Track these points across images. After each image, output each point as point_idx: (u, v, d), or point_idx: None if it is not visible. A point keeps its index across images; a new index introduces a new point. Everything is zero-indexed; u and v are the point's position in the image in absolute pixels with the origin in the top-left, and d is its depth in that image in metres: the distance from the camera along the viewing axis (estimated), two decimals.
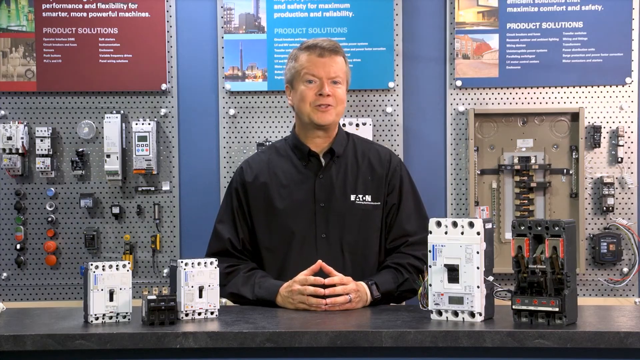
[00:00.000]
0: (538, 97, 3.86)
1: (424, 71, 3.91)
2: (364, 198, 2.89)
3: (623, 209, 3.83)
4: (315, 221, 2.85)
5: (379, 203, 2.89)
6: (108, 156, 3.83)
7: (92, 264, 2.33)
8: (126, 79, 3.90)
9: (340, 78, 2.89)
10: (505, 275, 3.74)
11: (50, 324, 2.36)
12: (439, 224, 2.32)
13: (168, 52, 3.90)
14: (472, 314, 2.28)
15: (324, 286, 2.60)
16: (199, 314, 2.39)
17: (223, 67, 3.90)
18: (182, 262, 2.38)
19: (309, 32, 3.87)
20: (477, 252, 2.27)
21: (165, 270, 3.90)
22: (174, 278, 2.41)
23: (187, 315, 2.37)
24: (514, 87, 3.87)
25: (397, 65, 3.88)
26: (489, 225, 2.31)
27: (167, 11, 3.90)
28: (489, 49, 3.85)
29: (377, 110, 3.90)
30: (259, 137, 3.91)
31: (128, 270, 2.36)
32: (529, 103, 3.87)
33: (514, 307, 2.26)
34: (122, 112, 3.90)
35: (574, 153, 3.82)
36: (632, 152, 3.83)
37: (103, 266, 2.33)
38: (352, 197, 2.88)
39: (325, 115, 2.87)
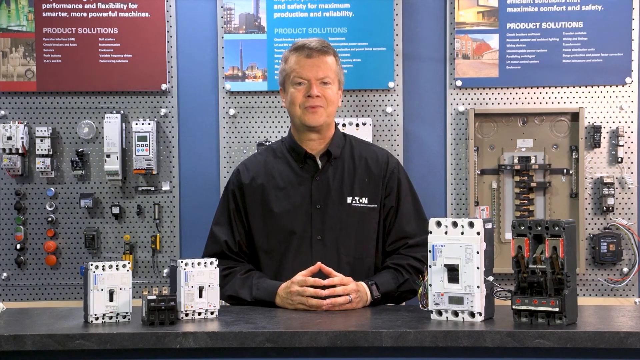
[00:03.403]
0: (538, 97, 3.86)
1: (424, 71, 3.91)
2: (360, 200, 2.87)
3: (623, 209, 3.83)
4: (311, 223, 2.84)
5: (376, 205, 2.87)
6: (108, 156, 3.83)
7: (92, 264, 2.33)
8: (126, 79, 3.90)
9: (330, 78, 2.86)
10: (505, 275, 3.74)
11: (50, 324, 2.36)
12: (439, 224, 2.32)
13: (168, 52, 3.90)
14: (472, 314, 2.27)
15: (323, 287, 2.59)
16: (199, 314, 2.39)
17: (223, 67, 3.90)
18: (182, 262, 2.38)
19: (309, 32, 3.86)
20: (477, 252, 2.27)
21: (165, 270, 3.89)
22: (174, 278, 2.41)
23: (187, 315, 2.37)
24: (514, 87, 3.86)
25: (397, 65, 3.87)
26: (489, 225, 2.31)
27: (167, 11, 3.90)
28: (489, 49, 3.85)
29: (377, 111, 3.90)
30: (258, 137, 3.91)
31: (128, 270, 2.36)
32: (529, 103, 3.86)
33: (514, 307, 2.26)
34: (122, 112, 3.90)
35: (574, 153, 3.82)
36: (632, 152, 3.83)
37: (103, 266, 2.33)
38: (349, 199, 2.86)
39: (314, 116, 2.84)
